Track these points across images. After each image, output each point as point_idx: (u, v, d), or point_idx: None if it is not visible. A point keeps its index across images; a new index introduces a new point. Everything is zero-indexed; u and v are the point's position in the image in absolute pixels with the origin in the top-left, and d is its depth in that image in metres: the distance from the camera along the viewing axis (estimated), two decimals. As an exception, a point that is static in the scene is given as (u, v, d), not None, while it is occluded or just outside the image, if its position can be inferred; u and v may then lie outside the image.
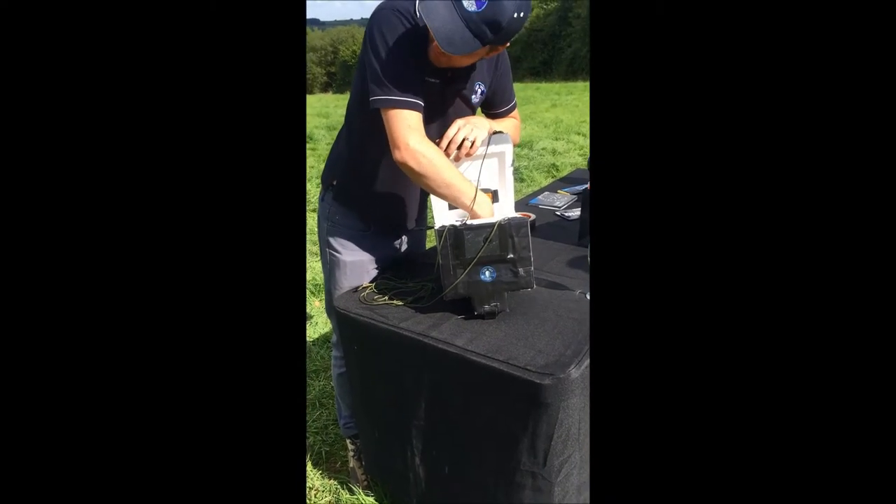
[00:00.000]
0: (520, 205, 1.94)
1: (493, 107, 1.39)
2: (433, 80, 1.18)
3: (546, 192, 2.06)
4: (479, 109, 1.37)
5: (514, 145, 1.39)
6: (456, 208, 1.22)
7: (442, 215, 1.26)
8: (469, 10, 1.01)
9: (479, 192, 1.16)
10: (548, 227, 1.70)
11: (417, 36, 1.12)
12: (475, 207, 1.14)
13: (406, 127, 1.09)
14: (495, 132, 1.26)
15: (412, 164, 1.10)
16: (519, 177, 5.05)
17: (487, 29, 1.02)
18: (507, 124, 1.37)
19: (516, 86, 1.59)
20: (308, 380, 2.16)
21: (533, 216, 1.72)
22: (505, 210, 1.32)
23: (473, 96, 1.29)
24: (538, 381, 0.97)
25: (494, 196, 1.31)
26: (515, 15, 1.03)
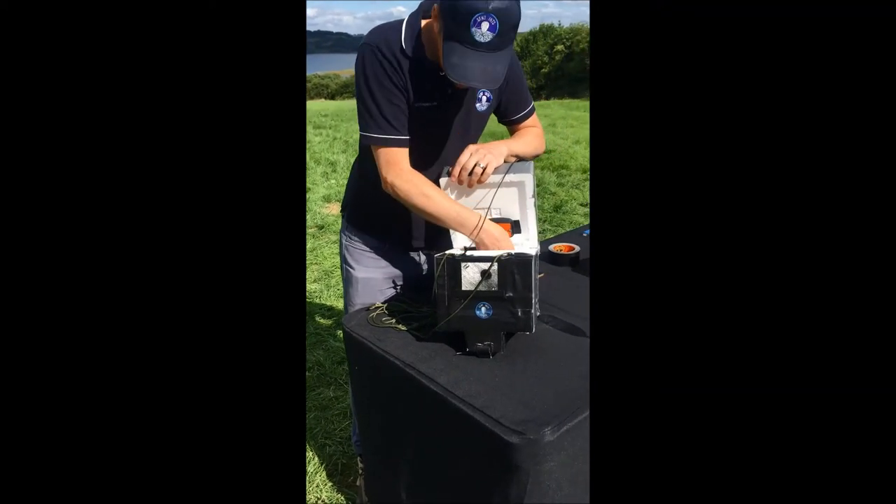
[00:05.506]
0: (574, 235, 1.82)
1: (507, 115, 1.32)
2: (427, 104, 1.15)
3: (609, 224, 1.90)
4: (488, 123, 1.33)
5: (538, 155, 1.31)
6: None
7: (459, 238, 1.20)
8: (485, 39, 0.99)
9: (465, 213, 1.13)
10: (596, 263, 1.56)
11: (401, 69, 1.12)
12: (465, 230, 1.13)
13: (385, 163, 1.16)
14: (517, 160, 1.17)
15: (398, 194, 1.17)
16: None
17: (511, 36, 1.01)
18: (528, 137, 1.29)
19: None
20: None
21: (578, 248, 1.59)
22: (526, 242, 1.22)
23: (478, 104, 1.24)
24: (506, 438, 0.87)
25: (515, 227, 1.22)
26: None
